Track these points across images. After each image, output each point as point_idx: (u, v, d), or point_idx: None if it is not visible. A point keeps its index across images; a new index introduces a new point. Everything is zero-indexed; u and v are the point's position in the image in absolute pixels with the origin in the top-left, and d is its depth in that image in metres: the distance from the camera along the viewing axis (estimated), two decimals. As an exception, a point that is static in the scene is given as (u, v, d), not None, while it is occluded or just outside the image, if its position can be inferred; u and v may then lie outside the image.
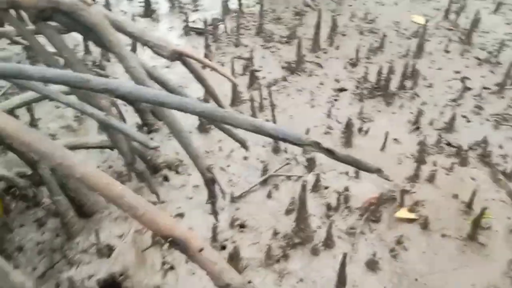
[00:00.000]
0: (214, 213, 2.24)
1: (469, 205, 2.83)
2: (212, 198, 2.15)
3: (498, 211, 2.84)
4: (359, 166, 1.29)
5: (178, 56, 1.99)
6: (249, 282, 2.42)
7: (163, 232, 1.27)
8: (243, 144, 2.39)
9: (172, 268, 2.51)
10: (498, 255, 2.57)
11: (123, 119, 3.33)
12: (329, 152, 1.24)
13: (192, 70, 2.17)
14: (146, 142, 1.88)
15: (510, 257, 2.52)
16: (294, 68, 4.29)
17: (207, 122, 3.47)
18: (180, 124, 1.97)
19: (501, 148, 3.36)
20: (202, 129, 3.50)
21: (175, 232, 1.27)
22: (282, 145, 3.32)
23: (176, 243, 1.27)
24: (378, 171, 1.27)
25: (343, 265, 2.19)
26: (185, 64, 2.10)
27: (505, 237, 2.69)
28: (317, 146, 1.24)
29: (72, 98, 2.02)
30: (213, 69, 1.93)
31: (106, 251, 2.54)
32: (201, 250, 1.27)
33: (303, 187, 2.50)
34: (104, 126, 2.17)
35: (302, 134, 1.25)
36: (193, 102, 1.32)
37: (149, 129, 3.40)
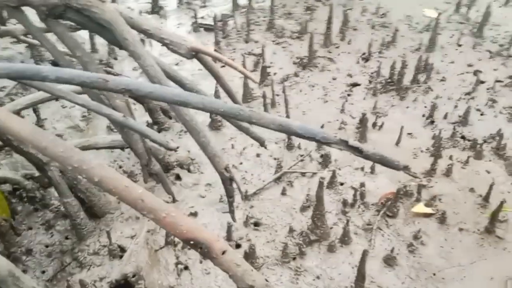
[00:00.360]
0: (232, 212, 2.21)
1: (485, 199, 2.80)
2: (230, 198, 2.12)
3: (516, 204, 2.80)
4: (387, 163, 1.26)
5: (195, 54, 1.96)
6: (266, 280, 2.39)
7: (185, 235, 1.24)
8: (261, 142, 2.35)
9: (186, 268, 2.48)
10: (517, 249, 2.54)
11: (133, 118, 3.32)
12: (357, 150, 1.20)
13: (209, 68, 2.14)
14: (165, 143, 1.85)
15: (529, 251, 2.49)
16: (306, 63, 4.26)
17: (218, 119, 3.45)
18: (198, 123, 1.94)
19: (517, 141, 3.31)
20: (214, 126, 3.49)
21: (197, 235, 1.25)
22: (295, 141, 3.29)
23: (199, 246, 1.25)
24: (405, 168, 1.23)
25: (362, 261, 2.16)
26: (202, 61, 2.07)
27: (523, 231, 2.65)
28: (345, 144, 1.20)
29: (87, 99, 1.99)
30: (232, 66, 1.89)
31: (118, 252, 2.51)
32: (224, 252, 1.25)
33: (320, 184, 2.47)
34: (121, 127, 2.15)
35: (329, 132, 1.22)
36: (217, 101, 1.29)
37: (159, 127, 3.39)
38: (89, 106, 1.87)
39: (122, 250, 2.54)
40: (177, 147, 1.93)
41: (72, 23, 2.02)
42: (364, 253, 2.13)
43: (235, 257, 1.27)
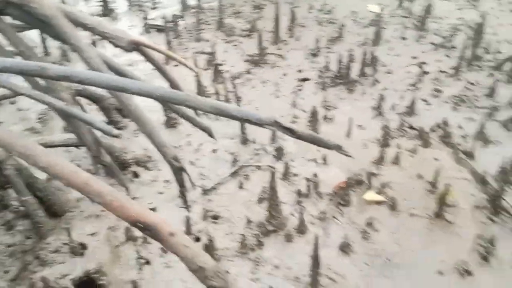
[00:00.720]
0: (185, 202, 2.24)
1: (433, 185, 2.93)
2: (182, 188, 2.14)
3: (462, 189, 2.95)
4: (319, 143, 1.32)
5: (135, 46, 1.97)
6: (226, 272, 2.42)
7: (133, 218, 1.26)
8: (209, 133, 2.38)
9: (147, 262, 2.50)
10: (465, 231, 2.67)
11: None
12: (290, 131, 1.26)
13: (150, 60, 2.16)
14: (107, 130, 1.85)
15: (476, 233, 2.62)
16: (257, 60, 4.31)
17: (173, 117, 3.44)
18: (145, 115, 1.96)
19: (461, 128, 3.49)
20: (169, 124, 3.48)
21: (145, 218, 1.27)
22: (250, 136, 3.34)
23: (147, 229, 1.26)
24: (337, 147, 1.30)
25: (316, 247, 2.22)
26: (144, 54, 2.09)
27: (470, 214, 2.79)
28: (278, 125, 1.26)
29: (28, 88, 1.99)
30: (171, 57, 1.92)
31: (79, 249, 2.51)
32: (172, 234, 1.27)
33: (272, 174, 2.53)
34: (66, 117, 2.13)
35: (263, 114, 1.27)
36: (153, 86, 1.31)
37: (115, 126, 3.35)
38: (30, 94, 1.86)
39: (83, 247, 2.54)
40: (120, 133, 1.93)
41: (18, 21, 2.00)
42: (316, 239, 2.19)
43: (184, 239, 1.29)
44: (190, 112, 2.24)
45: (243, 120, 1.27)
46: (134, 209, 1.26)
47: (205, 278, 1.35)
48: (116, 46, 1.97)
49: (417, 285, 2.38)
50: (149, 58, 2.14)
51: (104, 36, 1.97)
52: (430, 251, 2.57)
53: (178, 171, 2.05)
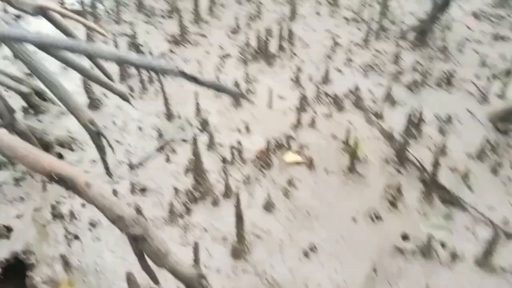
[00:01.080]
0: (107, 169, 2.27)
1: (346, 143, 3.18)
2: (100, 152, 2.17)
3: (373, 146, 3.22)
4: (221, 89, 1.44)
5: (41, 11, 1.95)
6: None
7: (48, 171, 1.29)
8: (124, 97, 2.42)
9: (76, 237, 2.54)
10: (375, 183, 2.94)
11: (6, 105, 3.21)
12: (193, 79, 1.37)
13: (57, 25, 2.14)
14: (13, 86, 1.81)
15: (385, 183, 2.89)
16: (179, 40, 4.38)
17: (96, 98, 3.46)
18: (56, 78, 1.95)
19: (371, 93, 3.77)
20: (93, 106, 3.49)
21: (60, 169, 1.30)
22: (175, 111, 3.44)
23: (63, 181, 1.30)
24: (238, 94, 1.44)
25: (238, 204, 2.36)
26: (50, 19, 2.06)
27: (380, 167, 3.07)
28: (181, 73, 1.36)
29: None
30: (78, 20, 1.94)
31: (5, 232, 2.51)
32: (88, 185, 1.33)
33: (194, 141, 2.65)
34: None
35: (165, 62, 1.37)
36: (53, 38, 1.33)
37: (36, 111, 3.31)
38: None
39: (9, 230, 2.53)
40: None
41: None
42: (237, 197, 2.33)
43: (102, 190, 1.36)
44: (105, 79, 2.28)
45: (149, 69, 1.36)
46: (48, 161, 1.29)
47: (124, 226, 1.44)
48: (21, 10, 1.91)
49: (334, 232, 2.61)
50: (55, 24, 2.10)
51: (7, 1, 1.92)
52: (344, 202, 2.82)
53: (96, 135, 2.08)
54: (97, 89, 3.42)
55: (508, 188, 2.89)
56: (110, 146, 2.31)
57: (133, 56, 1.35)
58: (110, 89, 2.36)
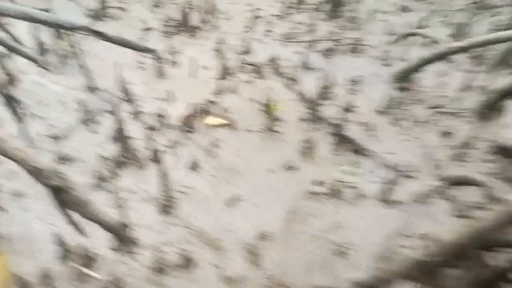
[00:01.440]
0: (25, 135, 2.22)
1: (266, 105, 3.38)
2: (18, 119, 2.14)
3: (290, 107, 3.45)
4: (129, 45, 1.55)
5: None
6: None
7: None
8: (33, 59, 2.38)
9: (2, 209, 2.54)
10: (291, 138, 3.18)
11: None
12: (100, 34, 1.46)
13: None
14: None
15: (299, 138, 3.14)
16: (98, 14, 4.38)
17: (13, 75, 3.43)
18: None
19: (289, 60, 4.00)
20: (9, 83, 3.46)
21: None
22: (98, 84, 3.48)
23: None
24: (145, 49, 1.55)
25: (160, 162, 2.49)
26: None
27: (295, 125, 3.31)
28: (88, 29, 1.45)
29: None
30: None
31: None
32: (2, 140, 1.39)
33: (116, 109, 2.74)
34: None
35: (74, 19, 1.46)
36: None
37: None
38: None
39: None
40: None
41: None
42: (160, 157, 2.46)
43: (17, 144, 1.43)
44: (14, 43, 2.28)
45: (55, 26, 1.44)
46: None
47: (43, 178, 1.50)
48: None
49: (254, 183, 2.82)
50: None
51: None
52: (264, 157, 3.03)
53: (11, 100, 2.09)
54: (13, 66, 3.39)
55: (407, 136, 3.23)
56: (20, 114, 2.28)
57: (41, 13, 1.41)
58: (18, 53, 2.34)
